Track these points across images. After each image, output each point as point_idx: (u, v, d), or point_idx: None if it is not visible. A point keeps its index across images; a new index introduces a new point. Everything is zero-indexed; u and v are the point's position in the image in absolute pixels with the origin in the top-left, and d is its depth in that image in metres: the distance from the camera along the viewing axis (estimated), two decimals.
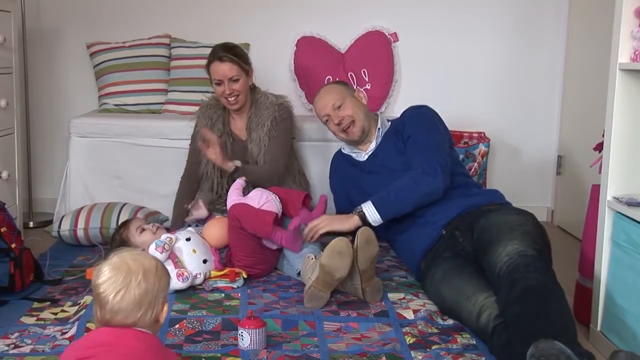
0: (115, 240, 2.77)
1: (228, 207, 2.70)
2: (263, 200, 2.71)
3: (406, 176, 2.60)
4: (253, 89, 3.16)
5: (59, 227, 3.15)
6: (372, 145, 2.87)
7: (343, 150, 3.00)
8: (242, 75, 3.03)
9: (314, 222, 2.64)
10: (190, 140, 3.21)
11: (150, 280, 1.42)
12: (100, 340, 1.38)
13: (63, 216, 3.22)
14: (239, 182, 2.85)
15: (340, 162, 2.99)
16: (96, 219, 3.13)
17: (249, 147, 3.09)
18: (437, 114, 2.82)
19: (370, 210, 2.57)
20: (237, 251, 2.66)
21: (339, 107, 2.84)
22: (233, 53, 3.03)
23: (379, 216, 2.57)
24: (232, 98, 3.04)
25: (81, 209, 3.21)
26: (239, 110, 3.13)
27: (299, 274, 2.62)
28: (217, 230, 2.72)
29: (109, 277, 1.41)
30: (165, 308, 1.48)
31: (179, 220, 3.04)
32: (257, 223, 2.60)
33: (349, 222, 2.60)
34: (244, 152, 3.10)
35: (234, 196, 2.76)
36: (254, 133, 3.09)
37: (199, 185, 3.20)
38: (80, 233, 3.13)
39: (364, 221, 2.57)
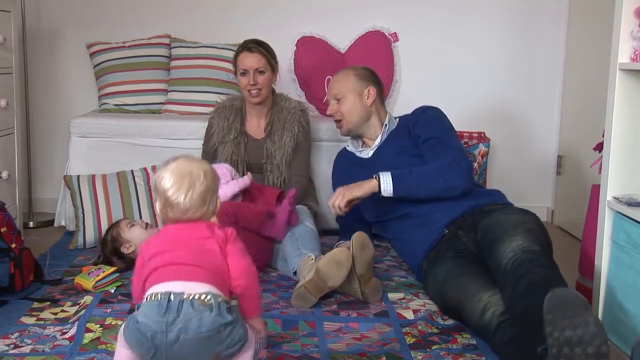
0: (107, 241, 2.78)
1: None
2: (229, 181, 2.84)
3: (434, 164, 2.59)
4: (273, 91, 3.18)
5: (84, 242, 3.15)
6: (377, 142, 2.86)
7: (347, 148, 2.99)
8: (268, 69, 3.07)
9: (332, 199, 2.59)
10: (203, 141, 3.22)
11: (209, 178, 1.62)
12: (171, 236, 1.60)
13: (84, 228, 3.15)
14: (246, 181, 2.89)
15: (342, 161, 2.99)
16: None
17: (266, 146, 3.11)
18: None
19: (386, 181, 2.56)
20: None
21: (338, 100, 2.86)
22: (263, 47, 3.08)
23: (391, 189, 2.56)
24: (255, 90, 3.05)
25: (99, 215, 3.17)
26: (259, 106, 3.13)
27: (294, 273, 2.62)
28: None
29: (175, 182, 1.58)
30: (218, 201, 1.68)
31: None
32: (252, 217, 2.68)
33: (367, 185, 2.58)
34: (259, 151, 3.12)
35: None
36: (276, 135, 3.11)
37: None
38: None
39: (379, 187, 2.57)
